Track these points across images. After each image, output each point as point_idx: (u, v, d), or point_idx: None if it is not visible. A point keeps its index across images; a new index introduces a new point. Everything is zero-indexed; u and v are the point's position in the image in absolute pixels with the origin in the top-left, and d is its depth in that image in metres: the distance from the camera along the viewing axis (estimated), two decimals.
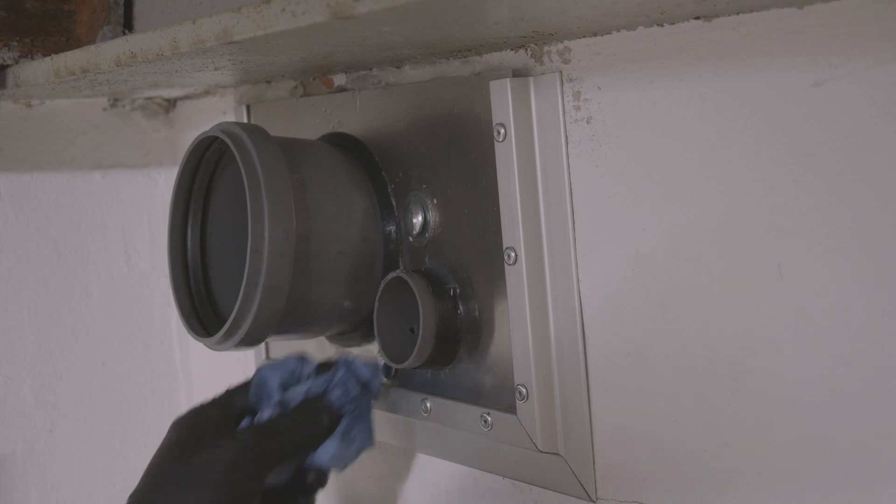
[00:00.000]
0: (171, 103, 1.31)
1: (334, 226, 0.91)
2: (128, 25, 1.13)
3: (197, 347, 1.16)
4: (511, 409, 0.84)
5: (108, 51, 0.88)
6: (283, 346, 1.11)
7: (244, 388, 0.90)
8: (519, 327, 0.82)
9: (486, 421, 0.86)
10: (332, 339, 0.99)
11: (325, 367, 0.90)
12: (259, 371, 0.90)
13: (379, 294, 0.91)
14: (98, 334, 1.28)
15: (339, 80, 1.02)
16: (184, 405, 1.32)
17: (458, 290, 0.88)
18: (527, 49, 0.82)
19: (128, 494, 0.83)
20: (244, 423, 0.87)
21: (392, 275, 0.90)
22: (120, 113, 1.28)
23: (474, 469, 0.91)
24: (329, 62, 0.92)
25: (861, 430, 0.66)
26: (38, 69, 1.01)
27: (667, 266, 0.75)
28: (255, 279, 0.86)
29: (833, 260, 0.66)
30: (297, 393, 0.88)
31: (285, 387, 0.89)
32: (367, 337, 0.96)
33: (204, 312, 0.95)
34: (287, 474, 0.87)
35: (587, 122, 0.79)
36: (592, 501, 0.81)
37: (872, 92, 0.63)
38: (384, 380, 0.94)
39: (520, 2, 0.65)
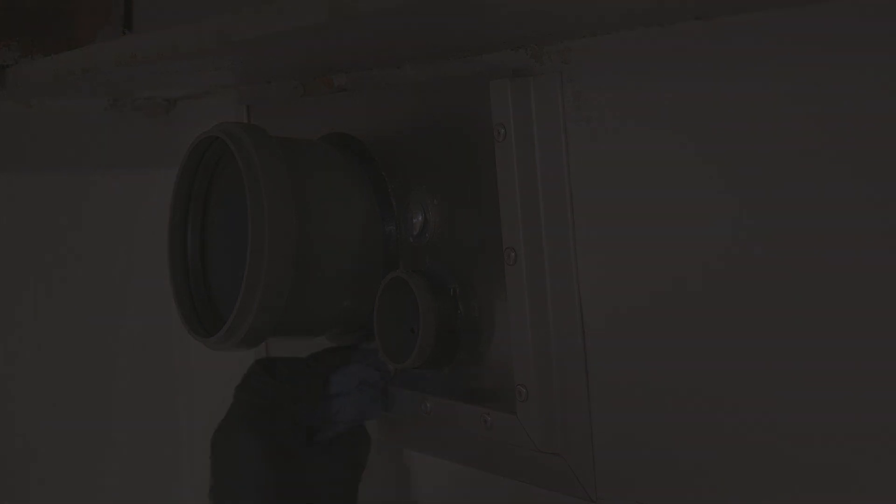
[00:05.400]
0: (171, 103, 1.31)
1: (334, 226, 0.91)
2: (128, 25, 1.13)
3: (197, 347, 1.16)
4: (511, 409, 0.84)
5: (108, 51, 0.88)
6: (283, 346, 1.11)
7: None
8: (519, 327, 0.82)
9: (486, 421, 0.86)
10: (331, 339, 0.99)
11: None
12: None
13: (379, 294, 0.91)
14: (98, 334, 1.27)
15: (339, 80, 1.01)
16: (183, 405, 1.32)
17: (458, 290, 0.88)
18: (527, 49, 0.82)
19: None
20: None
21: (392, 275, 0.90)
22: (120, 113, 1.28)
23: (474, 469, 0.91)
24: (329, 62, 0.92)
25: (862, 431, 0.66)
26: (38, 69, 1.01)
27: (666, 266, 0.75)
28: (255, 279, 0.86)
29: (833, 260, 0.66)
30: None
31: None
32: (367, 337, 0.96)
33: (204, 312, 0.95)
34: None
35: (587, 122, 0.79)
36: (592, 501, 0.81)
37: (872, 91, 0.63)
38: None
39: (520, 2, 0.65)
